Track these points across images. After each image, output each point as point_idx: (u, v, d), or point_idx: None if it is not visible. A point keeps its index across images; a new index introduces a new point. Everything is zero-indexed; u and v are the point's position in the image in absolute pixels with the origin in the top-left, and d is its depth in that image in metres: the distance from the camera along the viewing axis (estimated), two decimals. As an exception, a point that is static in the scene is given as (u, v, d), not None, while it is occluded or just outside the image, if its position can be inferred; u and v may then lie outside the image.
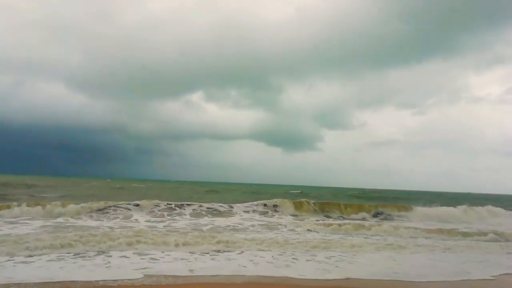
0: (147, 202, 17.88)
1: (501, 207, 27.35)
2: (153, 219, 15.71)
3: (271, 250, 9.93)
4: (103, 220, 14.78)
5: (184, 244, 9.99)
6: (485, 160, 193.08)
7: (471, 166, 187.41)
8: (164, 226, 13.83)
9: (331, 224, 15.64)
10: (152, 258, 8.47)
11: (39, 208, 15.17)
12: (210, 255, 9.13)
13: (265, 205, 20.42)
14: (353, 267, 8.42)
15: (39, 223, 12.99)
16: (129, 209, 16.82)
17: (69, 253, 8.60)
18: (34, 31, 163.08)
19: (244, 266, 8.13)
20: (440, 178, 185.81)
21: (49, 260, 7.90)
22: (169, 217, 16.33)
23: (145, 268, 7.52)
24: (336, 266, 8.46)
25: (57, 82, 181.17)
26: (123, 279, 6.65)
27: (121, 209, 16.73)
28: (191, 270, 7.55)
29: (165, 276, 6.97)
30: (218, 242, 10.36)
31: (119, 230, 12.08)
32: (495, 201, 34.21)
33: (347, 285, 7.00)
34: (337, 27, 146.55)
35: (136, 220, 15.21)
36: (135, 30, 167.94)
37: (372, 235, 13.98)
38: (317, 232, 14.25)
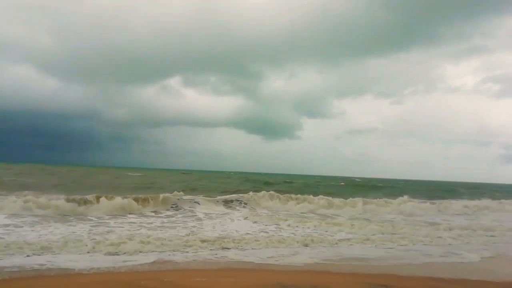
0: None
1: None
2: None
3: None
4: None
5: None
6: (459, 150, 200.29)
7: (445, 155, 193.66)
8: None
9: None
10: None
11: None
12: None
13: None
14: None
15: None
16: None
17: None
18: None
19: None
20: (415, 167, 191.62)
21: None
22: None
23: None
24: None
25: (26, 65, 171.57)
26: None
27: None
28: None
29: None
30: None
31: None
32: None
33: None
34: (318, 14, 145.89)
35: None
36: (108, 10, 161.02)
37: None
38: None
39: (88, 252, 7.52)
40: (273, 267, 7.03)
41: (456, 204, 22.04)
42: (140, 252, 7.73)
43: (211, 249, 8.31)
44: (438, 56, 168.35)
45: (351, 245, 9.60)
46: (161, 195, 16.11)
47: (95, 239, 8.62)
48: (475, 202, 23.48)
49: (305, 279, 6.02)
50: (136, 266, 6.71)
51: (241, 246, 8.73)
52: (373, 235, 11.00)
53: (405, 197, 21.64)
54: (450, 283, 6.30)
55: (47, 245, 7.70)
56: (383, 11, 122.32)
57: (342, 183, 46.26)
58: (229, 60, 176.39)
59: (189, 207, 16.01)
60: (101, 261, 6.85)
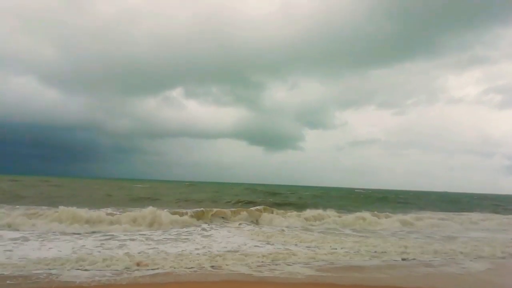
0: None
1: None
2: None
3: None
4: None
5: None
6: (462, 160, 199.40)
7: (448, 166, 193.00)
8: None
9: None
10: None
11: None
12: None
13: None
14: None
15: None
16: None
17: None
18: (2, 21, 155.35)
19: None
20: (418, 178, 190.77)
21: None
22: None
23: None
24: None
25: (29, 76, 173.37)
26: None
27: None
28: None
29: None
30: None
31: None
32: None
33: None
34: (320, 25, 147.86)
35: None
36: (111, 22, 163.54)
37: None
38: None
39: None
40: (274, 280, 6.91)
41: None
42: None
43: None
44: (440, 67, 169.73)
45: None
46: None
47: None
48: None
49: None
50: (137, 278, 6.61)
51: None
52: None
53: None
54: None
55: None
56: (385, 22, 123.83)
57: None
58: (230, 71, 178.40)
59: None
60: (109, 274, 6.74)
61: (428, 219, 18.46)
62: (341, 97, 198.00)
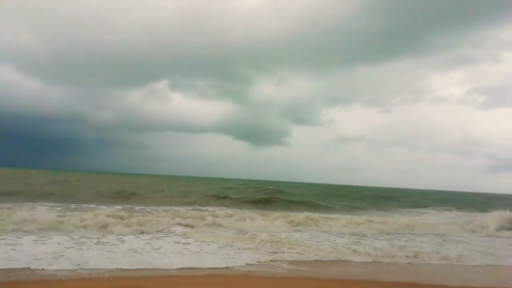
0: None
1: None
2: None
3: None
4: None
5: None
6: (445, 159, 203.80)
7: (432, 164, 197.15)
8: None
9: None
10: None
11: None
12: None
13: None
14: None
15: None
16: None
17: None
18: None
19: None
20: (402, 175, 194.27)
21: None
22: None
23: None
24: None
25: (6, 65, 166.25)
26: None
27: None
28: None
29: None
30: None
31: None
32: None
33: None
34: (309, 21, 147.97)
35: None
36: (95, 11, 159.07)
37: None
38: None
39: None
40: (258, 274, 7.04)
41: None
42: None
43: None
44: (426, 66, 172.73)
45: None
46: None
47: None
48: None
49: (287, 285, 6.06)
50: (120, 271, 6.63)
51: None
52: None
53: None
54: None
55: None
56: (374, 20, 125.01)
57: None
58: (217, 64, 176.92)
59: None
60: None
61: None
62: (328, 94, 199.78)
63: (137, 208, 15.99)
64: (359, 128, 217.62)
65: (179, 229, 11.26)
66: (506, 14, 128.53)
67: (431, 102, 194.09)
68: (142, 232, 10.62)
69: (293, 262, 8.08)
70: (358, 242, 11.19)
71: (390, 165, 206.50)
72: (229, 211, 18.01)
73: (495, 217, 17.04)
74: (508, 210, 19.03)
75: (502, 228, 15.65)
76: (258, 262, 7.82)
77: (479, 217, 19.36)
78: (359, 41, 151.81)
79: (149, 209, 15.91)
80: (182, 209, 17.16)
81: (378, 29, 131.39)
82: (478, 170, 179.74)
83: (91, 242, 8.96)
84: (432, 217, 22.46)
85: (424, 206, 31.59)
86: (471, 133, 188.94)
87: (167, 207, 17.30)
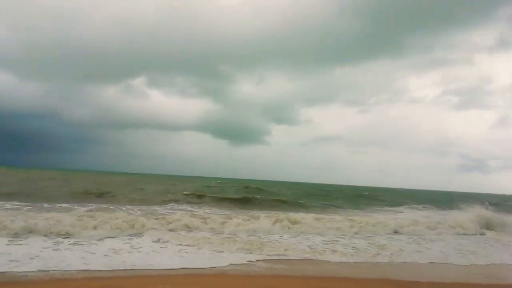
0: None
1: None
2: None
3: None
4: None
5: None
6: (419, 158, 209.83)
7: (407, 164, 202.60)
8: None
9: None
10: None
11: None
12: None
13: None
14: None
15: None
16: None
17: None
18: None
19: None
20: (378, 174, 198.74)
21: None
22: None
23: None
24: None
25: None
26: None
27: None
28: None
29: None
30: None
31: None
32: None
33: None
34: (291, 21, 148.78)
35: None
36: (71, 3, 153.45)
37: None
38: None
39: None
40: (235, 272, 7.07)
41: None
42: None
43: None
44: (402, 67, 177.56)
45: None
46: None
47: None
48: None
49: (260, 284, 6.11)
50: (94, 272, 6.51)
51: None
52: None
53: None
54: (398, 284, 6.65)
55: None
56: (354, 21, 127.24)
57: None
58: (197, 61, 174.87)
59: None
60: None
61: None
62: (307, 93, 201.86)
63: (112, 208, 15.68)
64: (337, 128, 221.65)
65: (156, 229, 11.11)
66: (479, 19, 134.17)
67: (406, 103, 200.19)
68: (117, 232, 10.41)
69: (271, 261, 8.14)
70: (337, 241, 11.35)
71: (367, 164, 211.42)
72: (208, 210, 17.97)
73: (471, 215, 17.57)
74: (482, 207, 19.60)
75: (479, 227, 15.95)
76: (236, 262, 7.84)
77: (456, 216, 20.08)
78: (339, 42, 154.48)
79: (124, 208, 15.65)
80: (159, 209, 16.97)
81: (358, 31, 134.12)
82: (451, 169, 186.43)
83: (68, 243, 8.75)
84: (409, 215, 23.10)
85: (401, 205, 32.43)
86: (444, 134, 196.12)
87: (144, 207, 17.07)
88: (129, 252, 8.19)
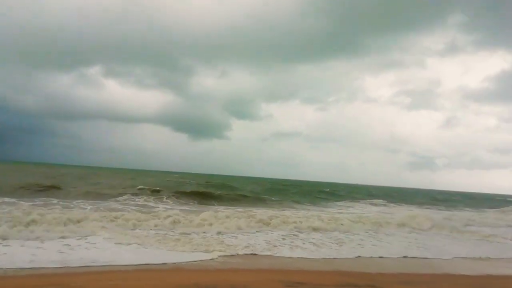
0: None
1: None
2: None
3: None
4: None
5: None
6: (373, 155, 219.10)
7: (362, 160, 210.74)
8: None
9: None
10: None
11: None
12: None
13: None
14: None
15: None
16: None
17: None
18: None
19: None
20: (335, 170, 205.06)
21: None
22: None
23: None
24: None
25: None
26: None
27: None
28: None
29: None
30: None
31: None
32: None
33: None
34: (254, 16, 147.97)
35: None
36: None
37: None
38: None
39: None
40: (190, 267, 6.96)
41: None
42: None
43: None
44: (360, 67, 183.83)
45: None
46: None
47: None
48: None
49: (222, 278, 6.07)
50: (39, 269, 6.12)
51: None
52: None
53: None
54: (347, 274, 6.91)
55: None
56: (316, 20, 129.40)
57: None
58: (157, 52, 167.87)
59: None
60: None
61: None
62: (268, 89, 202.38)
63: (62, 203, 14.85)
64: (296, 124, 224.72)
65: (107, 227, 10.58)
66: (431, 24, 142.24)
67: (363, 102, 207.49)
68: (66, 229, 9.86)
69: (230, 257, 8.11)
70: (296, 235, 11.48)
71: (324, 160, 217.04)
72: (167, 206, 17.60)
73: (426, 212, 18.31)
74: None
75: (432, 224, 16.53)
76: (194, 258, 7.72)
77: (411, 212, 21.18)
78: (301, 40, 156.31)
79: (75, 203, 14.96)
80: (113, 203, 16.39)
81: (319, 29, 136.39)
82: (403, 166, 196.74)
83: (16, 240, 8.16)
84: (366, 210, 24.08)
85: (357, 200, 33.69)
86: (396, 132, 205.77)
87: (97, 201, 16.38)
88: (76, 248, 7.83)
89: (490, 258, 9.97)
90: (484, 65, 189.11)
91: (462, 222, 18.42)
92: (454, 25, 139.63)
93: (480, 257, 9.97)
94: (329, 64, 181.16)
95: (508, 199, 60.19)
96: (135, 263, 6.91)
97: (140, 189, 22.82)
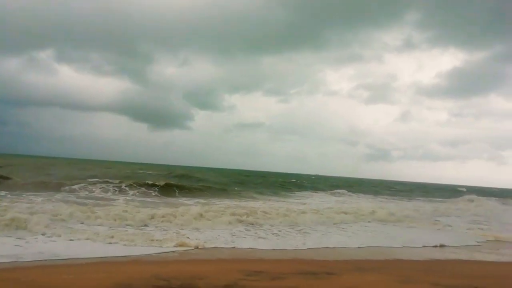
0: None
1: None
2: None
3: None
4: None
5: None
6: (333, 147, 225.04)
7: (322, 152, 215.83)
8: None
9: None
10: None
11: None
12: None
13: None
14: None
15: None
16: None
17: None
18: None
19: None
20: (296, 161, 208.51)
21: None
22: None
23: None
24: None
25: None
26: None
27: None
28: None
29: None
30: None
31: None
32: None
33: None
34: (219, 4, 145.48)
35: None
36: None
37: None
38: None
39: None
40: (148, 259, 6.89)
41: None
42: None
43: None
44: (322, 60, 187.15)
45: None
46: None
47: None
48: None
49: (181, 269, 6.06)
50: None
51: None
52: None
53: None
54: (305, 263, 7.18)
55: None
56: (280, 11, 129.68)
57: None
58: (115, 36, 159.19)
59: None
60: None
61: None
62: (231, 80, 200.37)
63: (11, 197, 14.00)
64: (259, 115, 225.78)
65: (67, 219, 10.15)
66: (390, 20, 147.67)
67: (324, 95, 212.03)
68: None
69: (189, 249, 8.09)
70: (260, 227, 11.62)
71: (286, 152, 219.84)
72: (127, 197, 17.15)
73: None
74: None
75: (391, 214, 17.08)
76: (152, 251, 7.63)
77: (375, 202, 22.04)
78: (265, 31, 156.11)
79: (25, 195, 14.17)
80: (67, 195, 15.73)
81: (284, 21, 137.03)
82: (361, 158, 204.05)
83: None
84: (329, 199, 24.82)
85: (320, 190, 34.68)
86: (355, 125, 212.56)
87: (47, 193, 15.63)
88: (42, 242, 7.56)
89: (444, 245, 10.53)
90: (436, 62, 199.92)
91: (422, 212, 19.39)
92: (410, 22, 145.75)
93: (436, 245, 10.48)
94: (293, 56, 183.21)
95: (459, 189, 64.71)
96: (91, 256, 6.74)
97: (96, 180, 21.94)
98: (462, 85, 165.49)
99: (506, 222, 18.01)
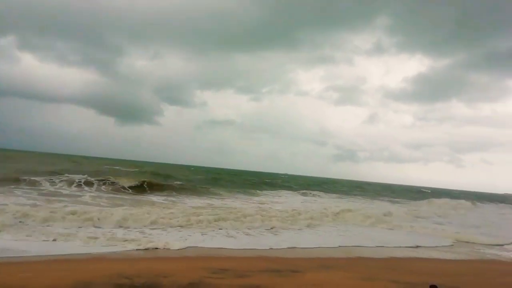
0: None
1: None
2: None
3: None
4: None
5: None
6: (303, 147, 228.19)
7: (292, 151, 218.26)
8: None
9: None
10: None
11: None
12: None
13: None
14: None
15: None
16: None
17: None
18: None
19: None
20: (266, 160, 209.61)
21: None
22: None
23: None
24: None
25: None
26: None
27: None
28: None
29: None
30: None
31: None
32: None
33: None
34: (192, 0, 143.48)
35: None
36: None
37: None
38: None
39: None
40: (112, 256, 6.73)
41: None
42: None
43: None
44: (294, 60, 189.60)
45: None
46: None
47: None
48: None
49: (146, 268, 5.96)
50: None
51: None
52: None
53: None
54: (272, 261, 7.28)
55: None
56: (254, 10, 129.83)
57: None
58: (82, 26, 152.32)
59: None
60: None
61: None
62: (203, 76, 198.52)
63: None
64: (230, 113, 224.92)
65: (39, 215, 9.63)
66: (362, 23, 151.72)
67: (295, 95, 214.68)
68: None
69: (156, 248, 7.95)
70: (232, 226, 11.52)
71: (256, 150, 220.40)
72: (93, 194, 16.55)
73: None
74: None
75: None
76: (116, 250, 7.46)
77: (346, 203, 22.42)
78: (239, 29, 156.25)
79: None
80: (31, 192, 15.03)
81: (258, 20, 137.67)
82: (329, 158, 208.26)
83: None
84: (298, 199, 25.08)
85: (292, 189, 35.05)
86: (324, 125, 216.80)
87: (11, 187, 14.88)
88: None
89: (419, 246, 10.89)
90: (403, 67, 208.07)
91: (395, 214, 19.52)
92: (380, 27, 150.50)
93: (403, 246, 10.80)
94: (265, 55, 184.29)
95: (423, 190, 67.50)
96: (53, 254, 6.50)
97: (60, 175, 20.98)
98: (427, 90, 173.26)
99: (468, 224, 18.96)
